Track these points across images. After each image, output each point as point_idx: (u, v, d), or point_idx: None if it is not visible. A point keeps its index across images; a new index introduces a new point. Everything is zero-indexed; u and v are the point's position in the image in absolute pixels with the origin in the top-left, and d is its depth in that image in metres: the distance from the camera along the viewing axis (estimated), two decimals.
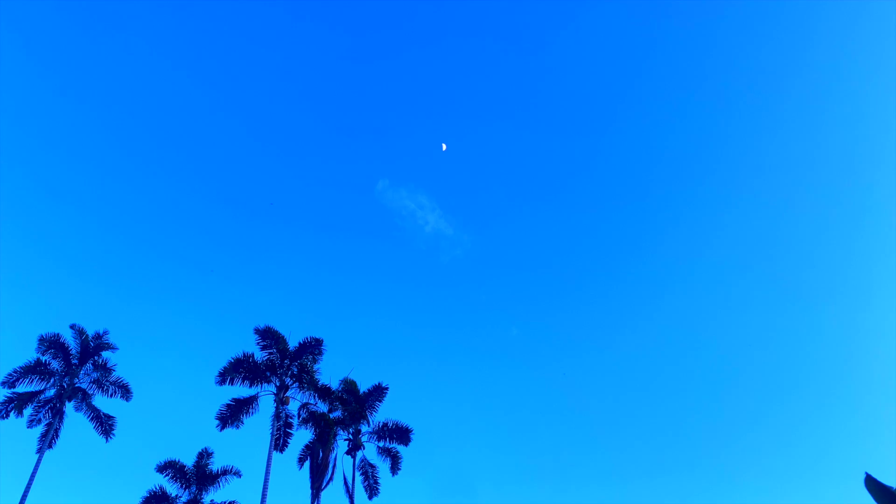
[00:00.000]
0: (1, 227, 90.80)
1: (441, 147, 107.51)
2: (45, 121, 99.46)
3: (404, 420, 42.55)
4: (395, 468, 42.19)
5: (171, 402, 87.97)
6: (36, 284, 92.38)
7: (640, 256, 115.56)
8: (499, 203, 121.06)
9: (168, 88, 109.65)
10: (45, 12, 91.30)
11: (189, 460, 42.51)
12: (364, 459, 41.48)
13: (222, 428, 38.45)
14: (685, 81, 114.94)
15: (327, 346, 41.66)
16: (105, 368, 41.73)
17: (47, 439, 38.76)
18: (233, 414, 38.69)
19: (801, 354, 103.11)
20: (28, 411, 38.47)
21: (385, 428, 41.68)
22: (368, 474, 41.07)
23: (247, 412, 38.97)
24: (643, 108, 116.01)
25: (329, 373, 41.70)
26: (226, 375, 38.43)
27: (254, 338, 40.35)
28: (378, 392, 43.03)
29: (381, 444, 42.15)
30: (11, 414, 37.81)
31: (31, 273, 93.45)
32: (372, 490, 40.68)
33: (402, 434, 41.52)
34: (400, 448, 41.91)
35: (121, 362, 42.64)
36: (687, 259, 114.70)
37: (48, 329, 41.23)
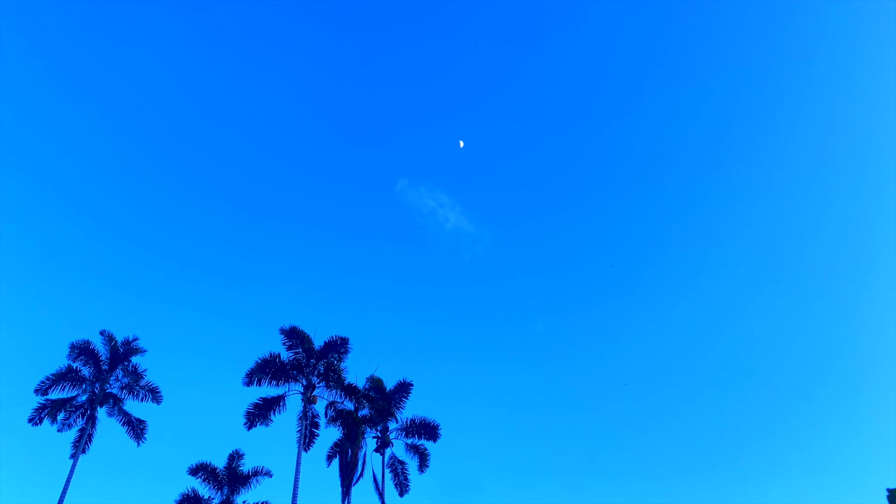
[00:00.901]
0: (28, 240, 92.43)
1: (459, 144, 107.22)
2: (72, 133, 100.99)
3: (430, 417, 42.68)
4: (423, 465, 42.21)
5: (199, 404, 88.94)
6: (65, 293, 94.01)
7: (664, 251, 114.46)
8: (519, 199, 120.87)
9: (189, 94, 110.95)
10: (50, 12, 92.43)
11: (220, 462, 42.98)
12: (393, 457, 41.60)
13: (250, 427, 38.70)
14: (701, 80, 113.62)
15: (352, 345, 41.74)
16: (136, 373, 42.20)
17: (81, 444, 39.33)
18: (261, 413, 38.92)
19: (823, 355, 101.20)
20: (61, 416, 39.04)
21: (413, 424, 41.74)
22: (398, 471, 41.16)
23: (275, 411, 39.19)
24: (663, 105, 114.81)
25: (355, 371, 41.71)
26: (253, 376, 38.68)
27: (279, 338, 40.58)
28: (404, 389, 43.09)
29: (409, 440, 42.22)
30: (45, 420, 38.42)
31: (59, 282, 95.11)
32: (402, 487, 40.78)
33: (429, 430, 41.54)
34: (428, 444, 41.97)
35: (149, 366, 43.14)
36: (712, 254, 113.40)
37: (78, 336, 41.73)
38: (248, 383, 38.69)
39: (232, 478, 42.58)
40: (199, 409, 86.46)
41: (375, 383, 42.04)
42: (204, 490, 42.40)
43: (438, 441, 42.47)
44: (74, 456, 38.94)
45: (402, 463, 41.27)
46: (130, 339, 42.61)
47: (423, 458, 42.14)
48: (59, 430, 40.22)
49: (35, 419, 38.43)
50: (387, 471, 40.96)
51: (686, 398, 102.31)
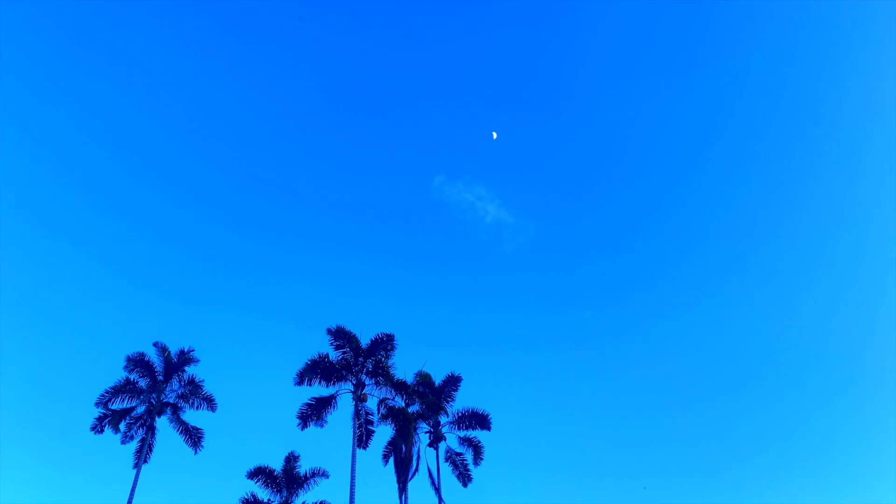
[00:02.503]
0: (71, 247, 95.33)
1: (492, 135, 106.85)
2: (127, 144, 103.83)
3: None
4: (477, 458, 42.15)
5: (251, 407, 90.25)
6: (116, 303, 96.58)
7: (713, 237, 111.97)
8: (559, 187, 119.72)
9: (229, 94, 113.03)
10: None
11: (277, 465, 43.44)
12: (450, 449, 41.66)
13: (304, 427, 39.14)
14: (741, 70, 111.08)
15: (398, 342, 41.84)
16: (194, 384, 42.93)
17: (142, 454, 40.29)
18: (313, 413, 39.35)
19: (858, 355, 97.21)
20: (122, 427, 40.07)
21: (463, 416, 41.72)
22: (457, 463, 41.20)
23: (327, 411, 39.57)
24: (711, 95, 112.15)
25: (402, 367, 41.85)
26: (304, 376, 39.13)
27: (326, 338, 40.94)
28: (453, 382, 43.08)
29: (461, 434, 42.19)
30: (107, 429, 39.48)
31: (111, 293, 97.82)
32: (464, 478, 40.85)
33: (481, 420, 41.46)
34: (481, 437, 41.86)
35: (199, 372, 43.79)
36: (763, 242, 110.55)
37: (130, 344, 42.82)
38: (299, 383, 39.17)
39: (289, 480, 43.01)
40: (252, 412, 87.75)
41: (424, 378, 42.12)
42: (263, 493, 42.93)
43: (491, 433, 42.46)
44: (137, 465, 39.90)
45: (459, 454, 41.36)
46: (186, 349, 43.47)
47: (476, 451, 42.08)
48: (122, 443, 41.26)
49: (97, 427, 39.60)
50: (445, 464, 41.09)
51: (747, 388, 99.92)
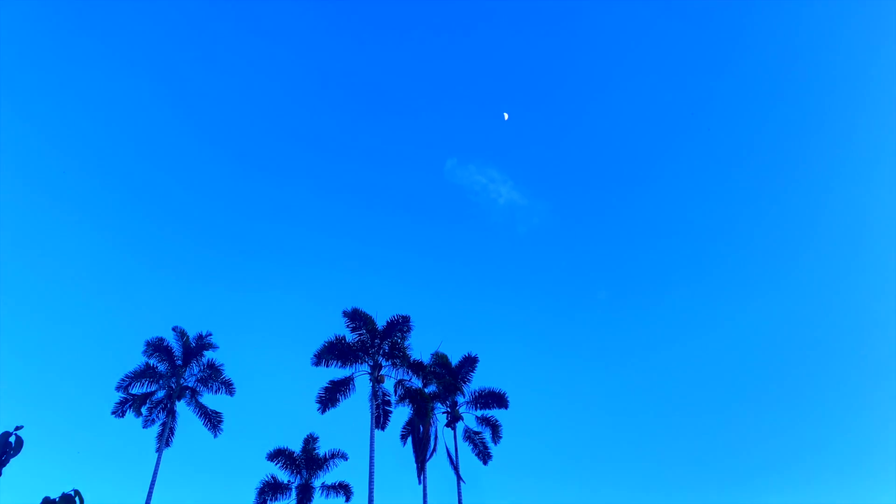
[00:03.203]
0: (93, 239, 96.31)
1: (503, 117, 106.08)
2: (144, 132, 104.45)
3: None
4: (495, 437, 42.30)
5: (268, 391, 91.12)
6: (134, 288, 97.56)
7: (732, 219, 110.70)
8: (572, 167, 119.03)
9: (240, 82, 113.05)
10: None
11: (295, 447, 43.86)
12: (468, 429, 41.87)
13: (323, 410, 39.43)
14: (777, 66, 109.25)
15: (414, 323, 41.98)
16: (213, 368, 43.21)
17: (164, 438, 40.74)
18: (331, 396, 39.62)
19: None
20: (143, 412, 40.51)
21: (480, 395, 41.83)
22: (476, 442, 41.41)
23: (344, 393, 39.83)
24: (730, 77, 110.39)
25: (418, 349, 42.08)
26: (321, 357, 39.37)
27: (342, 321, 41.11)
28: (469, 363, 43.16)
29: (478, 413, 42.31)
30: (128, 413, 39.94)
31: (129, 278, 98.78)
32: (484, 456, 41.10)
33: (498, 399, 41.56)
34: (498, 414, 41.99)
35: (217, 358, 44.10)
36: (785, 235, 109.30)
37: (148, 328, 43.30)
38: (317, 364, 39.40)
39: (309, 461, 43.43)
40: (270, 395, 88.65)
41: (441, 359, 42.21)
42: (283, 475, 43.44)
43: (507, 414, 42.58)
44: (159, 449, 40.37)
45: (477, 433, 41.50)
46: (204, 334, 43.75)
47: (494, 430, 42.22)
48: (144, 427, 41.77)
49: (118, 411, 40.06)
50: (463, 444, 41.31)
51: (763, 383, 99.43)
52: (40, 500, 3.96)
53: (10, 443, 4.19)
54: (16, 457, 4.21)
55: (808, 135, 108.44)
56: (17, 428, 4.25)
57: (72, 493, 4.07)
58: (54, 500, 4.00)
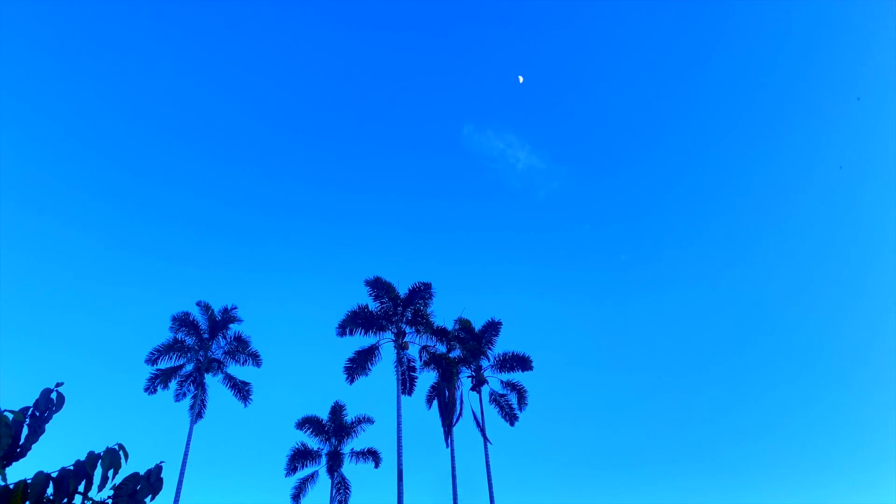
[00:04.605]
0: (115, 214, 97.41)
1: (518, 80, 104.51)
2: (166, 108, 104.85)
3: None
4: (521, 403, 42.54)
5: (295, 361, 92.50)
6: (160, 267, 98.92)
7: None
8: (591, 130, 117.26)
9: (256, 52, 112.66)
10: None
11: (323, 414, 44.55)
12: (493, 392, 42.21)
13: (352, 380, 39.88)
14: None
15: (435, 290, 42.07)
16: (240, 340, 43.72)
17: (195, 411, 41.50)
18: (358, 366, 40.02)
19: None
20: (173, 385, 41.22)
21: (504, 358, 42.04)
22: (502, 404, 41.74)
23: (370, 361, 40.21)
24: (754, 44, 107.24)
25: (441, 315, 42.31)
26: (345, 326, 39.70)
27: (365, 290, 41.32)
28: (493, 328, 43.29)
29: (504, 377, 42.57)
30: (158, 388, 40.68)
31: (152, 258, 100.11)
32: (511, 418, 41.47)
33: (522, 362, 41.75)
34: (523, 377, 42.21)
35: (243, 330, 44.62)
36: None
37: (174, 305, 43.81)
38: (341, 334, 39.73)
39: (337, 428, 44.12)
40: (296, 365, 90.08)
41: (464, 324, 42.38)
42: (312, 442, 44.22)
43: (531, 377, 42.83)
44: (193, 422, 41.16)
45: (502, 395, 41.80)
46: (229, 307, 44.21)
47: (520, 396, 42.47)
48: (176, 400, 42.49)
49: (150, 388, 40.71)
50: (489, 406, 41.63)
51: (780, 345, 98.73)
52: (85, 454, 3.95)
53: (52, 399, 4.18)
54: (57, 413, 4.21)
55: (826, 79, 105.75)
56: (58, 384, 4.25)
57: (116, 447, 4.06)
58: (99, 454, 3.99)
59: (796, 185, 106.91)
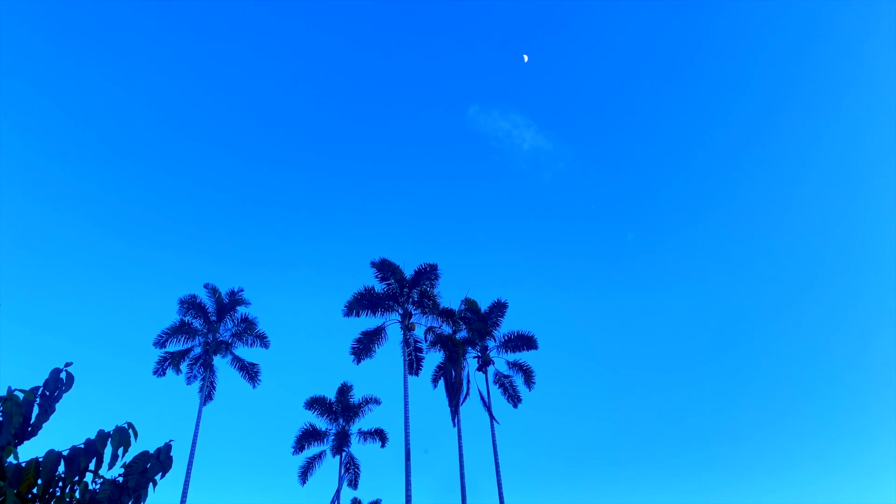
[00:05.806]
0: (122, 197, 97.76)
1: (523, 59, 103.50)
2: (172, 98, 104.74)
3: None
4: (528, 382, 42.58)
5: (302, 342, 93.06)
6: (166, 249, 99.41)
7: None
8: (597, 110, 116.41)
9: (261, 40, 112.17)
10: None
11: (330, 395, 44.88)
12: (499, 373, 42.35)
13: (358, 361, 40.12)
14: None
15: (441, 271, 42.12)
16: (248, 321, 43.87)
17: (204, 392, 41.85)
18: (365, 346, 40.23)
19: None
20: (184, 368, 41.51)
21: (510, 338, 42.15)
22: (507, 385, 41.92)
23: (377, 342, 40.41)
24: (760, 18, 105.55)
25: (447, 296, 42.30)
26: (351, 308, 39.88)
27: (371, 271, 41.41)
28: (499, 308, 43.33)
29: (510, 358, 42.69)
30: (168, 371, 41.00)
31: (163, 239, 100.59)
32: (514, 399, 41.61)
33: (527, 341, 41.86)
34: (529, 357, 42.33)
35: (250, 312, 44.81)
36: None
37: (182, 288, 43.94)
38: (348, 315, 39.92)
39: (345, 409, 44.48)
40: (303, 346, 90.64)
41: (470, 305, 42.47)
42: (320, 422, 44.60)
43: (536, 358, 43.04)
44: (203, 404, 41.51)
45: (508, 377, 41.99)
46: (236, 290, 44.34)
47: (527, 375, 42.55)
48: (187, 384, 42.78)
49: (159, 371, 41.03)
50: (494, 387, 41.76)
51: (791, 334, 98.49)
52: (95, 433, 4.02)
53: (62, 378, 4.25)
54: (67, 392, 4.27)
55: (828, 64, 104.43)
56: (67, 364, 4.31)
57: (125, 425, 4.13)
58: (108, 432, 4.06)
59: (796, 185, 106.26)
